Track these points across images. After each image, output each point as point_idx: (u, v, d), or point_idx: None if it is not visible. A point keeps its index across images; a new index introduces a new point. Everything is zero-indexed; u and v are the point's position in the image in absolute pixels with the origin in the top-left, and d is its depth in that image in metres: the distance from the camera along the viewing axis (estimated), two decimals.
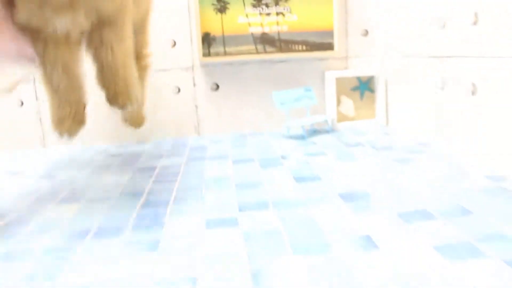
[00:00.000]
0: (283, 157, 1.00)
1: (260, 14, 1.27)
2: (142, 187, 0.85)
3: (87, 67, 0.81)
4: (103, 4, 0.74)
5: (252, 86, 1.31)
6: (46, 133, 1.26)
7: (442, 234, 0.57)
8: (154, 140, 1.29)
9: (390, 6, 1.20)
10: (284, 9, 1.27)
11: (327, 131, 1.26)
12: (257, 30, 1.28)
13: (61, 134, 0.78)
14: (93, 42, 0.78)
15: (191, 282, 0.49)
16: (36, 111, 1.25)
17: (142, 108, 1.03)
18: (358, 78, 1.32)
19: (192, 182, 0.86)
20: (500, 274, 0.47)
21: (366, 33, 1.32)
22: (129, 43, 0.82)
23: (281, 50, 1.29)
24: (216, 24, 1.26)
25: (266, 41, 1.28)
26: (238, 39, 1.28)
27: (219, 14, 1.26)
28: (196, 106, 1.30)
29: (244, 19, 1.27)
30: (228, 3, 1.25)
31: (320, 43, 1.30)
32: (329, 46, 1.31)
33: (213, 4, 1.25)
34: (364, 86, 1.32)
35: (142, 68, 1.00)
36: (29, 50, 0.75)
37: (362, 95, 1.33)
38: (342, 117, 1.31)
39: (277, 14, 1.27)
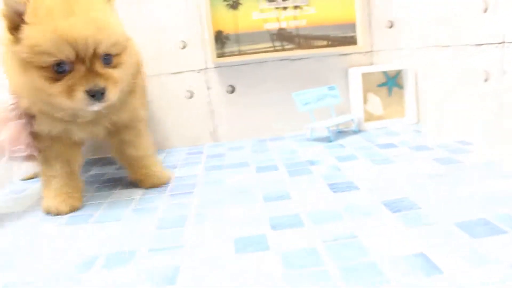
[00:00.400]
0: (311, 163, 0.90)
1: (276, 8, 1.17)
2: (155, 204, 0.75)
3: None
4: (119, 117, 0.78)
5: (271, 87, 1.21)
6: None
7: None
8: (167, 149, 1.20)
9: None
10: (302, 1, 1.17)
11: (354, 132, 1.16)
12: (273, 26, 1.18)
13: (52, 214, 0.75)
14: (114, 140, 0.83)
15: None
16: None
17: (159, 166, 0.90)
18: (385, 73, 1.21)
19: (212, 195, 0.77)
20: None
21: (391, 24, 1.21)
22: (147, 137, 0.87)
23: (300, 46, 1.19)
24: (229, 22, 1.17)
25: (284, 37, 1.19)
26: (253, 37, 1.18)
27: (231, 10, 1.16)
28: (212, 111, 1.21)
29: (259, 15, 1.17)
30: None
31: (342, 37, 1.20)
32: (352, 40, 1.20)
33: (224, 0, 1.15)
34: (392, 82, 1.21)
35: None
36: (32, 149, 0.75)
37: (390, 91, 1.22)
38: (369, 116, 1.21)
39: (295, 7, 1.17)
